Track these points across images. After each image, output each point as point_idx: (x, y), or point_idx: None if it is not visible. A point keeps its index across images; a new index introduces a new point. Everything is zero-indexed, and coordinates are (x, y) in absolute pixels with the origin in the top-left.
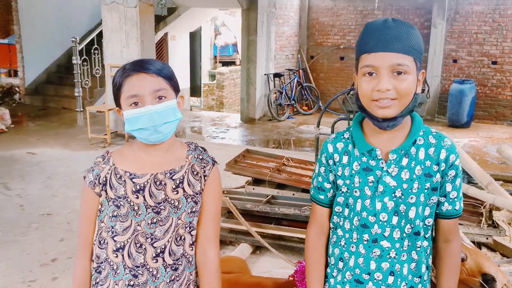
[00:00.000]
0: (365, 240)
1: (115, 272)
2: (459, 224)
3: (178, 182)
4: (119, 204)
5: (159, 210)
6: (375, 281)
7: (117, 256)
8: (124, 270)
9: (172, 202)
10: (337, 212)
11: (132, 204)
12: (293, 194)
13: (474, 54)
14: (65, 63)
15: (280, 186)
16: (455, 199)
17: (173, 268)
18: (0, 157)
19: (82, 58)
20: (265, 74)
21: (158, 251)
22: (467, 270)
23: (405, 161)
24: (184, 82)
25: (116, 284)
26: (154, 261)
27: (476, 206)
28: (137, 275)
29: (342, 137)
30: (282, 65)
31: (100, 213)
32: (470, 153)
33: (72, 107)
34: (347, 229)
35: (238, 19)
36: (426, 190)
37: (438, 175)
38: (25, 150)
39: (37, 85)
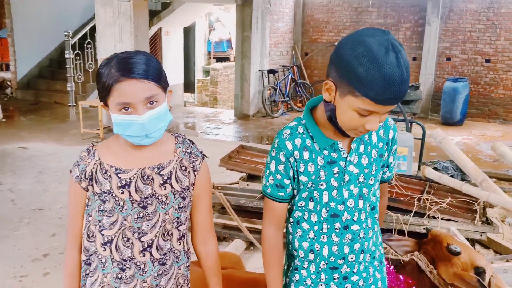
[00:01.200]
0: (337, 229)
1: (103, 265)
2: (453, 221)
3: (166, 177)
4: (105, 199)
5: (146, 205)
6: (349, 263)
7: (105, 250)
8: (112, 263)
9: (160, 197)
10: (300, 206)
11: (117, 199)
12: None
13: (468, 52)
14: (57, 57)
15: None
16: (392, 165)
17: (160, 262)
18: None
19: (75, 52)
20: (259, 71)
21: (146, 245)
22: (462, 263)
23: (362, 148)
24: (178, 78)
25: (104, 276)
26: (142, 255)
27: (470, 203)
28: (125, 268)
29: (297, 132)
30: (276, 61)
31: (87, 207)
32: (463, 151)
33: (64, 102)
34: (314, 222)
35: (232, 15)
36: (380, 169)
37: (386, 153)
38: (16, 144)
39: (29, 79)
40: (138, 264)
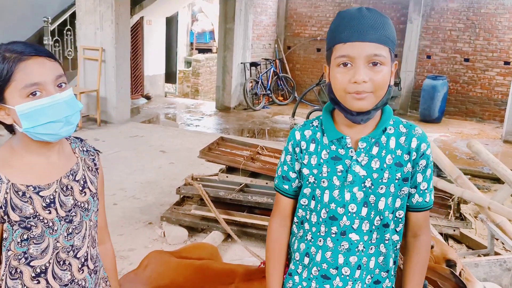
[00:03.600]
0: (333, 233)
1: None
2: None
3: (82, 182)
4: (29, 225)
5: (71, 218)
6: (342, 276)
7: (38, 282)
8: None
9: (82, 205)
10: (303, 205)
11: (46, 221)
12: (266, 183)
13: (448, 50)
14: (35, 43)
15: (254, 174)
16: (426, 191)
17: (95, 271)
18: None
19: (54, 39)
20: (241, 63)
21: (82, 260)
22: (434, 257)
23: (375, 150)
24: (159, 68)
25: None
26: (81, 272)
27: (445, 199)
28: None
29: (310, 124)
30: (259, 54)
31: (4, 241)
32: (440, 147)
33: None
34: (314, 223)
35: (216, 6)
36: (396, 181)
37: (409, 165)
38: None
39: None
40: (80, 283)
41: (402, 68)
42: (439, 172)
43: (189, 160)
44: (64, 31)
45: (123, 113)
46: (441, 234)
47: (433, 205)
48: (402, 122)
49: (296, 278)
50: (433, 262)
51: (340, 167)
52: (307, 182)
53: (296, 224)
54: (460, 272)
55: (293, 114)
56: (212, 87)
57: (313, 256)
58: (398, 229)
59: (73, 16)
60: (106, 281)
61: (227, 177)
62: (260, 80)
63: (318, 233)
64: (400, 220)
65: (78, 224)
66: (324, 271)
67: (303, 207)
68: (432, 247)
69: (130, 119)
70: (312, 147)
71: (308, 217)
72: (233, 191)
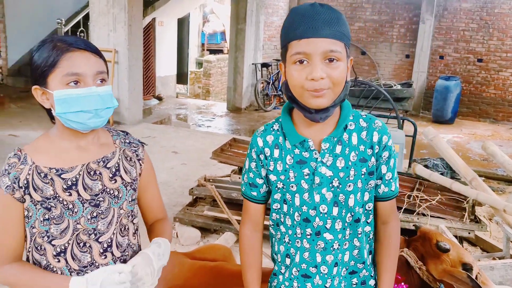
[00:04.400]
0: (308, 234)
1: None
2: (442, 218)
3: (114, 170)
4: (50, 206)
5: (98, 202)
6: (321, 274)
7: (59, 261)
8: (70, 274)
9: (111, 192)
10: (276, 209)
11: (65, 203)
12: None
13: (461, 51)
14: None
15: None
16: (391, 180)
17: (121, 260)
18: None
19: None
20: (252, 64)
21: (105, 245)
22: (451, 260)
23: (338, 149)
24: (170, 69)
25: None
26: (103, 257)
27: (460, 201)
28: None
29: (271, 129)
30: (270, 55)
31: (28, 219)
32: (453, 149)
33: None
34: (289, 225)
35: (227, 7)
36: (363, 176)
37: (373, 159)
38: (6, 132)
39: (20, 66)
40: (100, 267)
41: (415, 69)
42: (453, 174)
43: (201, 161)
44: (78, 33)
45: (135, 114)
46: (455, 236)
47: (446, 207)
48: (361, 116)
49: (280, 277)
50: (449, 265)
51: (306, 171)
52: (276, 188)
53: (272, 226)
54: (476, 276)
55: None
56: (223, 88)
57: (293, 256)
58: (369, 221)
59: (86, 17)
60: None
61: (239, 178)
62: (271, 80)
63: (295, 235)
64: (370, 211)
65: (105, 209)
66: (304, 271)
67: (276, 211)
68: (448, 250)
69: (142, 120)
70: (276, 153)
71: (282, 220)
72: None
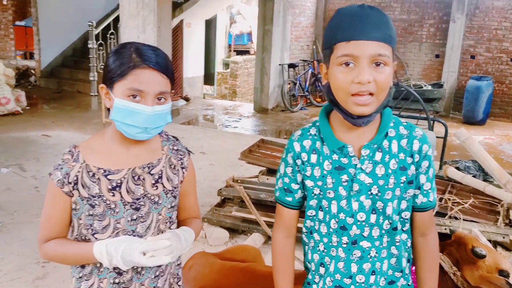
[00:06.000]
0: (344, 243)
1: (99, 270)
2: (476, 222)
3: (157, 177)
4: (94, 203)
5: (139, 206)
6: (357, 284)
7: None
8: (108, 268)
9: (152, 197)
10: (310, 216)
11: (108, 202)
12: None
13: (493, 50)
14: (81, 47)
15: None
16: (429, 191)
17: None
18: (15, 139)
19: (98, 42)
20: (279, 64)
21: None
22: (487, 266)
23: (378, 156)
24: (198, 70)
25: (101, 282)
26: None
27: (493, 204)
28: (122, 272)
29: (308, 133)
30: (297, 55)
31: (75, 211)
32: (485, 150)
33: (86, 91)
34: (324, 233)
35: (253, 8)
36: (402, 184)
37: (412, 167)
38: (40, 132)
39: (52, 68)
40: (135, 267)
41: (445, 69)
42: (485, 176)
43: (228, 162)
44: (108, 35)
45: None
46: (489, 241)
47: (479, 211)
48: (402, 123)
49: (314, 287)
50: (486, 272)
51: (344, 177)
52: (312, 194)
53: (306, 234)
54: None
55: None
56: (250, 88)
57: (328, 266)
58: (405, 229)
59: (116, 20)
60: (176, 279)
61: (267, 179)
62: (298, 81)
63: (330, 243)
64: (406, 220)
65: (145, 214)
66: (338, 282)
67: (310, 217)
68: (484, 256)
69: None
70: (313, 158)
71: (317, 227)
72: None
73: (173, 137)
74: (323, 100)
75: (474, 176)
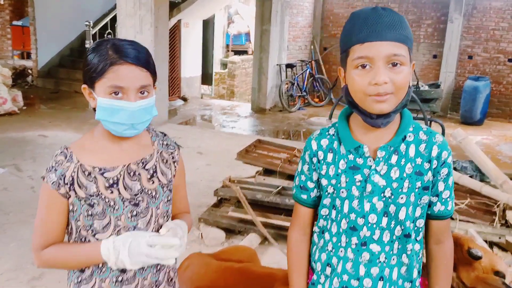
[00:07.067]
0: (354, 244)
1: (101, 270)
2: (472, 222)
3: (151, 171)
4: (93, 203)
5: (137, 201)
6: (364, 287)
7: None
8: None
9: (149, 192)
10: (324, 215)
11: (107, 200)
12: None
13: (490, 51)
14: (78, 46)
15: (291, 177)
16: (448, 199)
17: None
18: (12, 139)
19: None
20: (277, 65)
21: None
22: (483, 268)
23: (394, 159)
24: (195, 70)
25: (102, 281)
26: None
27: (490, 205)
28: (125, 270)
29: (327, 133)
30: (294, 55)
31: (73, 213)
32: (482, 151)
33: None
34: (334, 233)
35: (251, 8)
36: (416, 190)
37: (429, 174)
38: (37, 132)
39: (49, 68)
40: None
41: (442, 69)
42: (482, 176)
43: (226, 162)
44: (105, 35)
45: (161, 114)
46: (485, 241)
47: (475, 211)
48: (422, 128)
49: (319, 287)
50: (482, 273)
51: (358, 177)
52: (326, 193)
53: (317, 233)
54: (511, 283)
55: (330, 116)
56: (248, 88)
57: (335, 266)
58: (418, 238)
59: (114, 20)
60: (175, 273)
61: (264, 179)
62: (295, 81)
63: (339, 244)
64: (420, 229)
65: (144, 209)
66: (345, 283)
67: (324, 217)
68: (480, 257)
69: (167, 120)
70: (329, 157)
71: (329, 227)
72: (270, 194)
73: (161, 132)
74: (321, 100)
75: (471, 177)
